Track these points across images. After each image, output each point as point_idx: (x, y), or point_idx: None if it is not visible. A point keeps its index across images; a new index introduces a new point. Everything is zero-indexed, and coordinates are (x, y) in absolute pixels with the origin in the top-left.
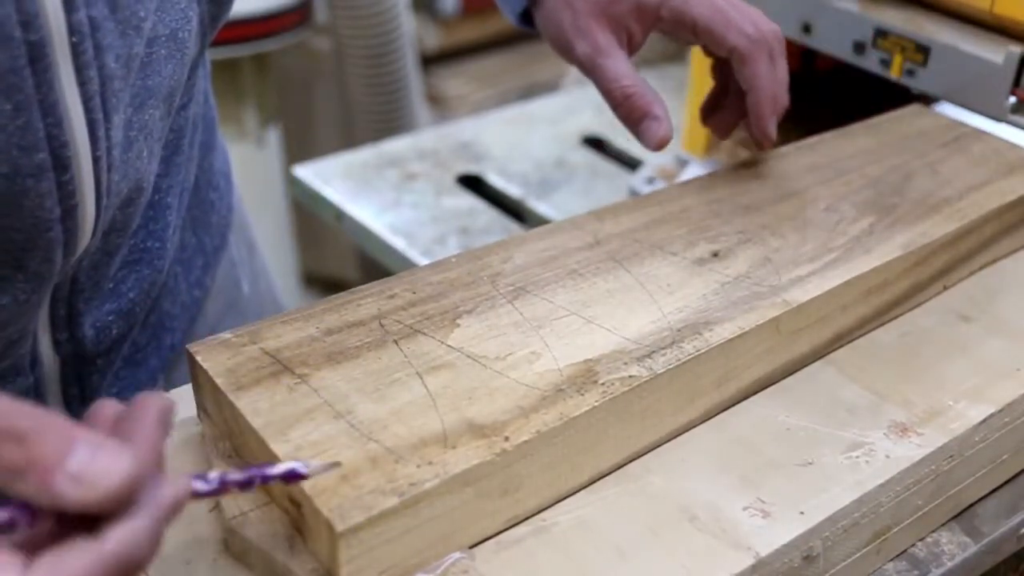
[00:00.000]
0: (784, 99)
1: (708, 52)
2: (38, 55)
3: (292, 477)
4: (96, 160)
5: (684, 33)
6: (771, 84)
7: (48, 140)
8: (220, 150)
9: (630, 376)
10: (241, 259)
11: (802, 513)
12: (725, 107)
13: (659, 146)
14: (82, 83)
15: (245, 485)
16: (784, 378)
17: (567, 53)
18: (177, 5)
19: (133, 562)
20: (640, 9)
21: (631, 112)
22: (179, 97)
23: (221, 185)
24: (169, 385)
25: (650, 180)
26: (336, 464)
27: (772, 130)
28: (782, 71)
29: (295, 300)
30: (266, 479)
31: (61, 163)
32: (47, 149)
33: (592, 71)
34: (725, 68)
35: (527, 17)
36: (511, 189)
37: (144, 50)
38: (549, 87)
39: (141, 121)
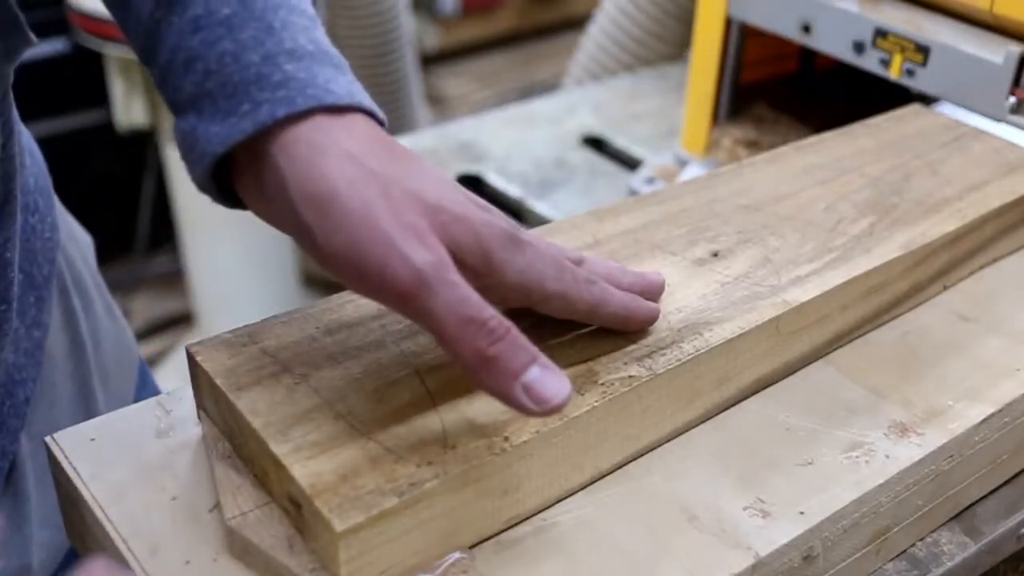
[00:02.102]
0: None
1: (548, 313)
2: None
3: None
4: None
5: (519, 303)
6: (623, 300)
7: None
8: (35, 167)
9: (630, 376)
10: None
11: (802, 513)
12: None
13: (558, 407)
14: None
15: None
16: (784, 378)
17: (373, 261)
18: None
19: None
20: (483, 251)
21: (509, 358)
22: None
23: (40, 206)
24: (33, 443)
25: (650, 180)
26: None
27: (649, 308)
28: None
29: (295, 300)
30: None
31: None
32: None
33: (432, 291)
34: None
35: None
36: (511, 189)
37: None
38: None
39: None
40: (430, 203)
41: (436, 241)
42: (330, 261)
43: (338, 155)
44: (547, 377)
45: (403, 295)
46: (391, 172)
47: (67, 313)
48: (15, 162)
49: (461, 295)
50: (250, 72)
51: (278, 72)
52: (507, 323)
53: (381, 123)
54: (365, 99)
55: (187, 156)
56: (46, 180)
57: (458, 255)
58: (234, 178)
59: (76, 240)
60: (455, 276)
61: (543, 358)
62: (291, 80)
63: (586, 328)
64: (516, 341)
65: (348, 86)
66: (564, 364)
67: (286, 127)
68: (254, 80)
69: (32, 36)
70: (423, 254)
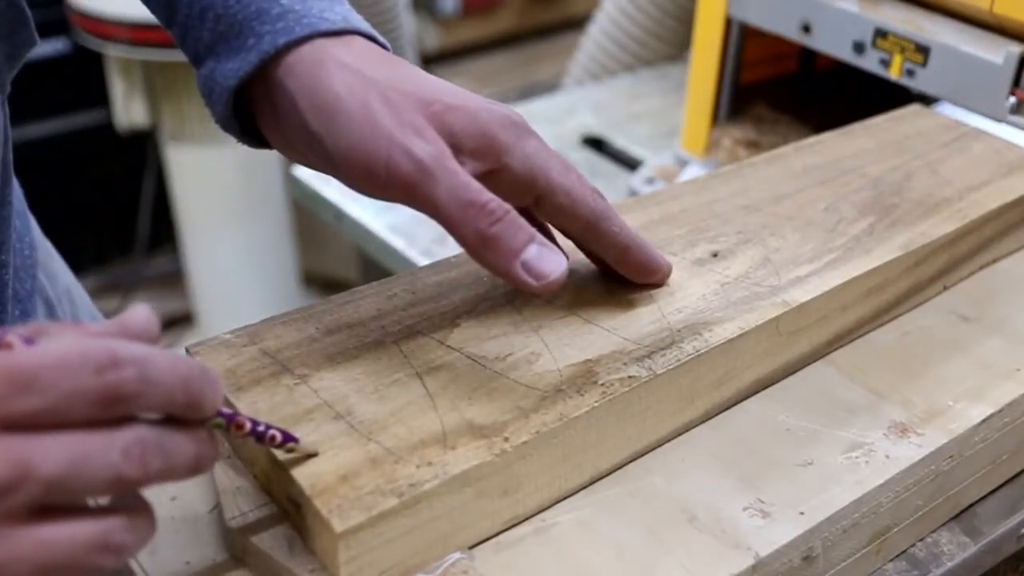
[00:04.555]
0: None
1: (549, 216)
2: None
3: (287, 439)
4: None
5: (525, 194)
6: (632, 231)
7: None
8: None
9: (630, 376)
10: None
11: (802, 513)
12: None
13: (556, 283)
14: None
15: (251, 428)
16: (784, 378)
17: (378, 156)
18: None
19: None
20: (485, 141)
21: (509, 238)
22: None
23: (18, 226)
24: None
25: (650, 180)
26: (314, 454)
27: (661, 260)
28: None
29: (295, 300)
30: (262, 435)
31: None
32: None
33: (433, 179)
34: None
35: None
36: None
37: None
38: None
39: None
40: (426, 99)
41: (435, 134)
42: (341, 166)
43: (338, 68)
44: (545, 254)
45: (407, 186)
46: (388, 77)
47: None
48: (10, 170)
49: (461, 181)
50: (251, 10)
51: (276, 6)
52: (505, 205)
53: (383, 46)
54: (362, 24)
55: (209, 99)
56: (22, 202)
57: (458, 143)
58: (255, 114)
59: (54, 257)
60: (454, 164)
61: (540, 237)
62: (288, 12)
63: (585, 327)
64: (515, 221)
65: (344, 13)
66: (564, 364)
67: (288, 53)
68: (255, 16)
69: (36, 36)
70: (423, 146)
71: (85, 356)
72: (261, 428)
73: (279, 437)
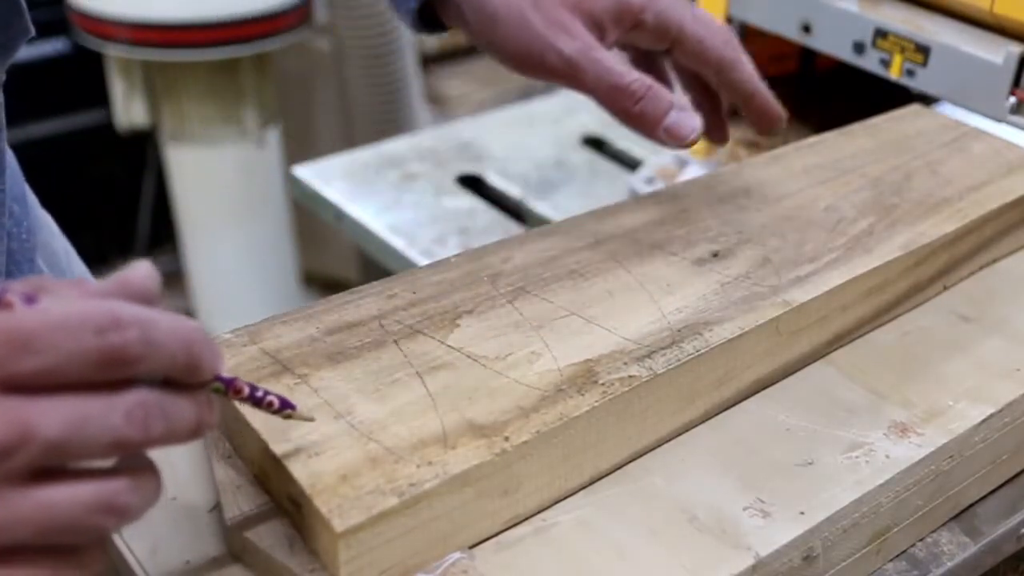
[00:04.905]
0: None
1: (679, 63)
2: None
3: (285, 406)
4: None
5: (662, 43)
6: (758, 80)
7: None
8: (10, 168)
9: (630, 376)
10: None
11: (802, 513)
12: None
13: (694, 140)
14: None
15: (250, 393)
16: (784, 378)
17: (539, 52)
18: None
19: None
20: (620, 10)
21: (652, 111)
22: None
23: (16, 212)
24: None
25: (650, 180)
26: (310, 419)
27: (780, 109)
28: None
29: (295, 300)
30: (260, 399)
31: None
32: None
33: (582, 70)
34: (693, 79)
35: (427, 17)
36: (511, 189)
37: None
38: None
39: None
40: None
41: (580, 27)
42: (507, 64)
43: None
44: (683, 118)
45: (562, 78)
46: None
47: None
48: (4, 158)
49: (605, 68)
50: None
51: None
52: (647, 81)
53: None
54: None
55: (398, 11)
56: (21, 187)
57: (600, 21)
58: (440, 15)
59: (56, 236)
60: (598, 54)
61: (679, 101)
62: None
63: (586, 327)
64: (656, 95)
65: None
66: (564, 363)
67: None
68: None
69: (31, 26)
70: (570, 43)
71: (86, 317)
72: (260, 393)
73: (276, 403)
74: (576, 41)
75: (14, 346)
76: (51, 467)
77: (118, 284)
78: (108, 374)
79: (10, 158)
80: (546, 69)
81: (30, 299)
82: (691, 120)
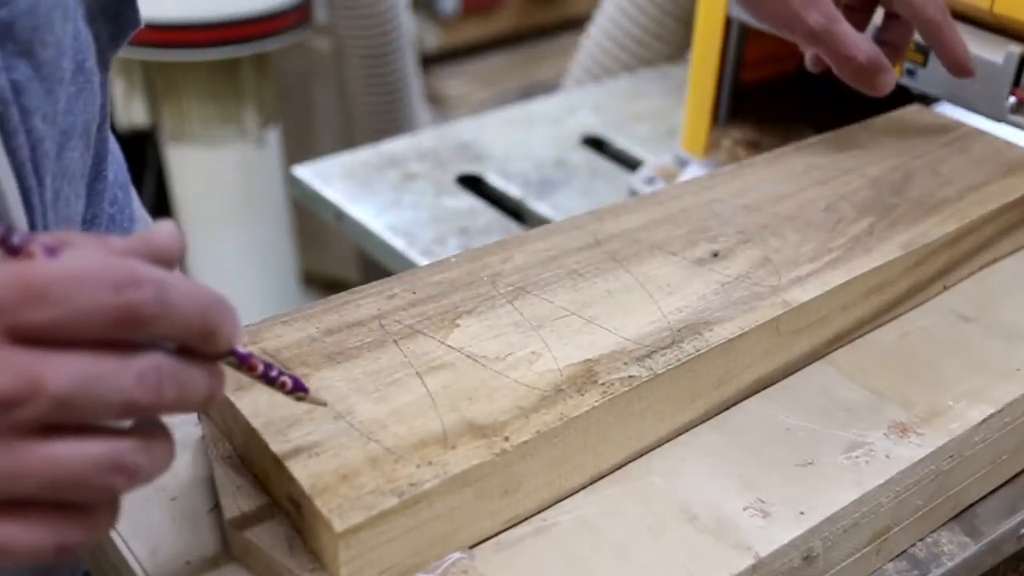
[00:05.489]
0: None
1: (890, 9)
2: None
3: (298, 387)
4: (32, 228)
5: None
6: (959, 39)
7: None
8: (115, 161)
9: (630, 376)
10: None
11: (802, 513)
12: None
13: (887, 91)
14: (11, 151)
15: (263, 371)
16: (784, 378)
17: (791, 24)
18: (78, 34)
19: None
20: None
21: (872, 77)
22: (95, 127)
23: (119, 198)
24: None
25: (650, 180)
26: (323, 402)
27: (971, 65)
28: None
29: (295, 300)
30: (274, 379)
31: None
32: None
33: (824, 40)
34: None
35: None
36: (511, 189)
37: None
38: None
39: (62, 167)
40: None
41: (828, 3)
42: (764, 23)
43: None
44: (888, 80)
45: (807, 42)
46: None
47: None
48: (107, 145)
49: (844, 41)
50: None
51: None
52: (871, 53)
53: None
54: None
55: None
56: (125, 175)
57: None
58: None
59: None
60: (838, 27)
61: (885, 64)
62: None
63: (586, 327)
64: (874, 64)
65: None
66: (564, 363)
67: None
68: None
69: (140, 18)
70: (816, 18)
71: (104, 272)
72: (274, 373)
73: (289, 384)
74: (822, 18)
75: (29, 295)
76: (61, 423)
77: (143, 242)
78: (122, 332)
79: (113, 145)
80: (795, 38)
81: (51, 251)
82: (891, 79)
